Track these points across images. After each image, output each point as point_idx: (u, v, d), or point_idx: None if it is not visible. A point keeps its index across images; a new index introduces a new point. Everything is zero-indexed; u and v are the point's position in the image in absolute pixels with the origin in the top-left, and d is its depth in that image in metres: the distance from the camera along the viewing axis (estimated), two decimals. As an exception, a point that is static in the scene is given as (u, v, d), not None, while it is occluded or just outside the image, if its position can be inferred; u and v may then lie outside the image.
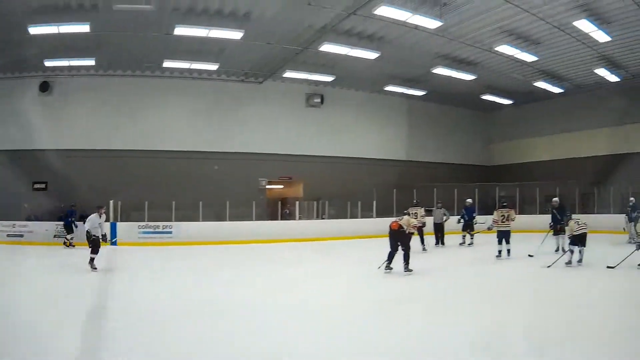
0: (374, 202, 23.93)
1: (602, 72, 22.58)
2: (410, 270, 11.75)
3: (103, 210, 13.08)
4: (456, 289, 10.35)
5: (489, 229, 15.38)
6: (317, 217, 24.43)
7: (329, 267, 14.34)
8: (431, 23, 16.72)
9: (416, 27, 17.14)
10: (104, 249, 17.31)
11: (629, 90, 23.92)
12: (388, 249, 11.95)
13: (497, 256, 14.37)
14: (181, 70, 23.11)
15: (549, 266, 12.24)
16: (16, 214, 20.71)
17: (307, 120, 26.75)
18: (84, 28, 16.83)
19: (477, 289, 10.31)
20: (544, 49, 20.12)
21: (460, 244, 18.34)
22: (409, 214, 13.08)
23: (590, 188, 24.17)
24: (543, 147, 29.29)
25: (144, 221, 20.43)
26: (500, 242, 14.43)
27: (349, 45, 19.34)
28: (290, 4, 16.04)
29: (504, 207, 14.92)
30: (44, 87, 22.65)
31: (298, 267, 14.45)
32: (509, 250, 14.41)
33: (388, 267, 11.98)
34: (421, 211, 17.26)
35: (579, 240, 12.27)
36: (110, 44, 19.52)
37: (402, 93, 27.31)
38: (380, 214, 23.01)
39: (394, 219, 12.72)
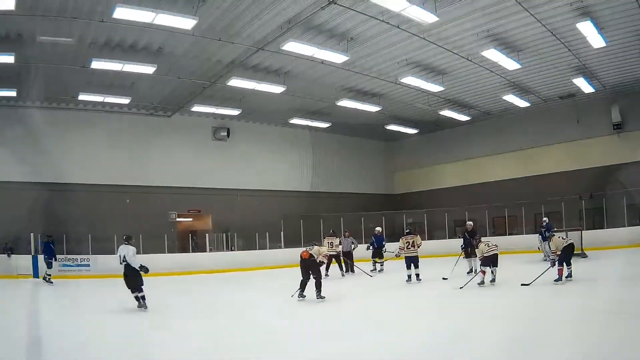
0: (282, 233, 25.16)
1: (511, 98, 24.69)
2: (323, 297, 12.50)
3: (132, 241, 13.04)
4: (368, 311, 11.17)
5: (397, 256, 16.36)
6: (227, 249, 25.22)
7: (244, 297, 14.92)
8: (337, 57, 18.05)
9: (322, 61, 18.49)
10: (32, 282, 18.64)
11: (538, 113, 26.55)
12: (299, 278, 12.62)
13: (407, 281, 15.33)
14: (95, 104, 23.42)
15: (461, 287, 13.14)
16: None
17: (214, 153, 27.81)
18: (9, 59, 17.04)
19: (389, 311, 11.14)
20: (451, 79, 21.95)
21: (371, 270, 19.06)
22: (317, 244, 13.65)
23: (501, 211, 25.84)
24: (450, 173, 31.52)
25: (63, 254, 20.77)
26: (408, 267, 15.39)
27: (255, 79, 20.50)
28: (201, 40, 16.93)
29: (408, 234, 15.95)
30: None
31: (214, 297, 15.11)
32: (417, 275, 15.39)
33: (301, 295, 12.74)
34: (336, 240, 18.74)
35: (490, 261, 13.33)
36: (30, 75, 19.56)
37: (307, 125, 28.86)
38: (288, 244, 24.45)
39: (302, 248, 13.41)
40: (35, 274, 20.08)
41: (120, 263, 11.90)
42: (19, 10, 14.04)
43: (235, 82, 20.57)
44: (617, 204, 22.04)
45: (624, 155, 23.83)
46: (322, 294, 12.61)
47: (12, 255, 20.30)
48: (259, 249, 24.86)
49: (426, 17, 14.90)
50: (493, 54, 18.75)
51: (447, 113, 27.07)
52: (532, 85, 23.58)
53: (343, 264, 18.84)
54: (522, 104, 25.73)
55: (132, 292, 11.83)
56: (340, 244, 19.19)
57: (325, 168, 31.43)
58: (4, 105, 22.87)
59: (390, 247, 19.61)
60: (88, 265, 21.16)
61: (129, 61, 17.96)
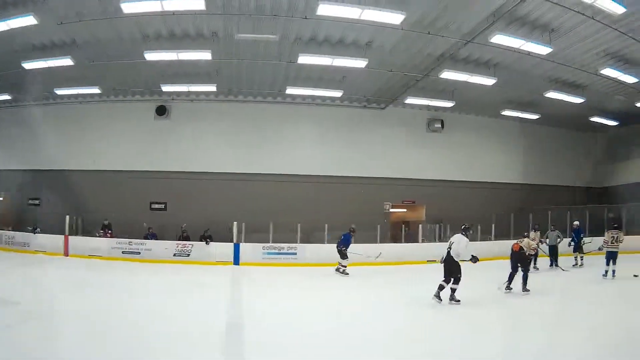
0: (493, 226, 25.97)
1: None
2: (528, 291, 13.26)
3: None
4: (576, 306, 11.87)
5: (600, 249, 16.60)
6: (439, 240, 25.85)
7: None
8: (542, 49, 19.07)
9: (529, 53, 19.62)
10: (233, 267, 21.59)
11: None
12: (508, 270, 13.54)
13: (603, 276, 15.88)
14: (304, 97, 26.61)
15: None
16: (133, 232, 23.87)
17: (428, 144, 29.87)
18: (206, 55, 19.73)
19: (597, 306, 11.73)
20: None
21: (573, 265, 19.60)
22: (527, 237, 14.68)
23: None
24: None
25: (268, 242, 22.67)
26: (607, 263, 15.85)
27: (466, 72, 21.93)
28: (409, 34, 18.37)
29: (614, 228, 16.43)
30: (161, 110, 26.37)
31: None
32: (614, 271, 15.71)
33: (508, 287, 13.47)
34: (536, 235, 19.65)
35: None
36: (230, 71, 22.92)
37: (517, 117, 29.70)
38: (498, 237, 25.26)
39: (513, 241, 14.21)
40: (236, 261, 21.95)
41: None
42: (211, 9, 16.04)
43: (447, 75, 21.98)
44: None
45: None
46: (527, 287, 13.38)
47: (212, 243, 22.49)
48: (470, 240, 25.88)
49: (614, 7, 15.58)
50: None
51: None
52: None
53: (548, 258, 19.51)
54: None
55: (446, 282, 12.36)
56: (546, 237, 19.89)
57: (533, 160, 31.69)
58: (203, 99, 26.61)
59: (586, 239, 20.17)
60: (295, 254, 22.38)
61: (339, 55, 19.73)
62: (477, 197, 29.67)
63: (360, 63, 20.35)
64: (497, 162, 31.26)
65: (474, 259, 12.60)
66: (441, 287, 12.15)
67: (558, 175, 33.02)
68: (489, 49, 19.83)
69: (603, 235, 16.75)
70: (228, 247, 22.39)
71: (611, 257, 15.80)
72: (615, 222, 17.97)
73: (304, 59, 20.05)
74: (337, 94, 25.47)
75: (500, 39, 18.25)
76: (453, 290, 12.15)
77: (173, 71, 22.63)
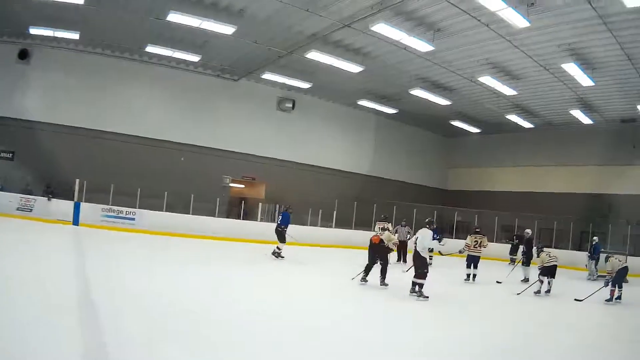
0: (334, 213, 26.23)
1: (577, 113, 26.00)
2: (386, 285, 13.05)
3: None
4: (434, 305, 11.63)
5: (460, 252, 16.83)
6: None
7: (302, 276, 15.49)
8: (423, 46, 19.16)
9: (405, 47, 19.63)
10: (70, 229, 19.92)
11: (596, 133, 27.91)
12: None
13: (465, 279, 16.12)
14: (161, 57, 25.01)
15: (518, 294, 14.03)
16: None
17: (276, 123, 29.37)
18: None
19: (455, 307, 11.97)
20: (525, 85, 23.12)
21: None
22: (389, 230, 14.61)
23: (549, 223, 26.73)
24: (503, 178, 33.31)
25: (108, 204, 21.92)
26: (468, 267, 16.19)
27: (335, 55, 21.52)
28: (286, 7, 17.71)
29: (477, 233, 16.81)
30: (23, 54, 23.91)
31: (271, 269, 15.73)
32: (474, 275, 16.10)
33: (364, 279, 13.22)
34: (388, 226, 18.75)
35: (548, 271, 14.26)
36: (97, 21, 20.75)
37: (374, 109, 30.39)
38: (339, 225, 25.84)
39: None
40: (76, 221, 21.24)
41: None
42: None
43: (314, 55, 21.57)
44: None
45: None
46: (385, 281, 13.16)
47: (53, 200, 21.69)
48: (310, 225, 25.88)
49: (518, 21, 15.94)
50: (571, 68, 20.00)
51: (512, 117, 28.58)
52: (599, 105, 24.90)
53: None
54: (586, 120, 27.05)
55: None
56: (396, 231, 19.38)
57: (384, 154, 33.00)
58: (65, 47, 24.30)
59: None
60: (133, 219, 21.97)
61: (209, 18, 18.80)
62: (322, 182, 30.00)
63: (228, 29, 19.58)
64: (345, 151, 31.91)
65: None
66: (413, 283, 12.19)
67: (408, 172, 34.49)
68: (364, 36, 19.69)
69: (452, 237, 17.38)
70: (69, 205, 21.55)
71: (472, 261, 16.25)
72: (479, 227, 18.64)
73: (174, 17, 18.81)
74: (195, 58, 24.22)
75: (382, 28, 17.99)
76: (420, 286, 12.04)
77: (41, 13, 20.35)
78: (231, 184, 28.36)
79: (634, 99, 23.24)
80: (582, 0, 15.05)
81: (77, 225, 21.16)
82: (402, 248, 19.99)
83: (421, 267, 12.20)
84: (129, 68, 25.67)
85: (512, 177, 33.22)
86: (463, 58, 21.19)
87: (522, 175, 32.66)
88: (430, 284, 12.37)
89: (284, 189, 27.70)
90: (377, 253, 13.42)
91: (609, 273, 14.05)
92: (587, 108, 25.54)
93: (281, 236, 18.56)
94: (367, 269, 13.37)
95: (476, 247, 16.51)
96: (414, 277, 12.21)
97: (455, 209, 29.55)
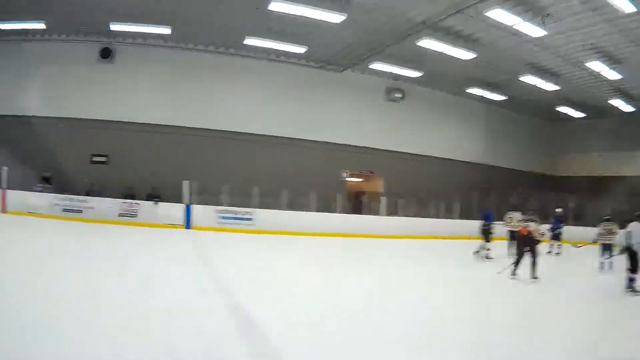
0: (459, 204, 26.53)
1: None
2: (537, 278, 12.71)
3: None
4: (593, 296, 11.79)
5: (594, 241, 16.31)
6: (397, 215, 25.77)
7: (446, 269, 15.56)
8: (535, 31, 19.12)
9: (515, 32, 19.58)
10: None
11: None
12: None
13: (599, 268, 16.03)
14: (260, 50, 24.90)
15: None
16: (73, 188, 21.80)
17: (385, 115, 29.30)
18: None
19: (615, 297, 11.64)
20: (629, 68, 22.83)
21: (547, 252, 19.20)
22: (534, 221, 13.66)
23: None
24: (611, 163, 32.70)
25: (222, 205, 21.91)
26: (603, 254, 16.04)
27: (446, 42, 21.42)
28: None
29: (607, 220, 16.50)
30: (105, 53, 23.85)
31: (410, 268, 15.44)
32: (611, 263, 15.79)
33: (514, 273, 12.95)
34: (518, 216, 18.03)
35: None
36: (189, 14, 20.80)
37: (481, 97, 30.32)
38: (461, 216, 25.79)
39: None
40: (188, 225, 21.15)
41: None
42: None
43: (426, 43, 21.37)
44: None
45: None
46: (536, 274, 12.83)
47: (160, 203, 21.62)
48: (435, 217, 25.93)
49: (623, 5, 16.19)
50: None
51: (614, 102, 28.40)
52: None
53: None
54: None
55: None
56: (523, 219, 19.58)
57: (495, 142, 32.93)
58: (155, 45, 24.49)
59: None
60: (250, 219, 21.89)
61: (314, 6, 18.36)
62: (436, 173, 29.76)
63: (337, 18, 19.12)
64: (455, 139, 31.61)
65: None
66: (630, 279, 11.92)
67: (518, 160, 34.28)
68: (474, 22, 19.61)
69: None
70: (178, 208, 21.42)
71: (606, 249, 16.06)
72: (609, 214, 18.44)
73: (276, 5, 18.29)
74: (301, 49, 24.14)
75: (497, 13, 17.96)
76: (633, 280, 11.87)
77: (123, 9, 20.39)
78: (348, 179, 28.32)
79: None
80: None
81: (189, 228, 21.01)
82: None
83: (635, 262, 11.87)
84: (227, 63, 25.65)
85: (621, 161, 32.44)
86: (572, 42, 20.97)
87: (631, 160, 31.82)
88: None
89: (401, 182, 27.62)
90: (527, 245, 13.15)
91: None
92: None
93: (487, 235, 18.18)
94: (517, 262, 13.16)
95: (608, 235, 16.18)
96: (630, 272, 11.92)
97: (570, 194, 28.56)
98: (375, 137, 28.76)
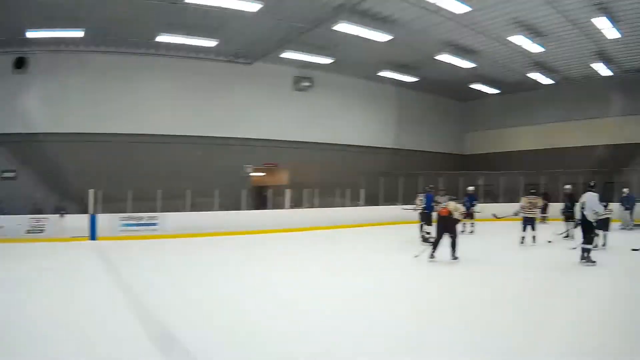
0: (362, 191, 26.35)
1: (597, 66, 26.15)
2: (457, 258, 12.79)
3: None
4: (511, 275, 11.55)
5: (515, 215, 16.67)
6: (302, 207, 25.63)
7: (358, 258, 15.13)
8: (459, 7, 18.87)
9: (437, 10, 19.17)
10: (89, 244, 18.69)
11: (619, 84, 27.87)
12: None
13: (520, 242, 16.26)
14: (170, 48, 23.65)
15: (574, 248, 13.75)
16: None
17: (293, 104, 28.43)
18: None
19: (540, 275, 11.50)
20: (551, 41, 22.91)
21: (461, 231, 18.83)
22: (453, 199, 13.92)
23: (575, 178, 25.96)
24: (521, 138, 33.47)
25: (126, 212, 20.68)
26: (524, 229, 16.22)
27: (363, 25, 20.75)
28: None
29: (531, 194, 16.84)
30: (19, 63, 22.41)
31: (322, 260, 15.05)
32: (534, 237, 16.24)
33: (432, 256, 12.91)
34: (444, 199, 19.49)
35: (603, 224, 14.45)
36: (102, 14, 19.38)
37: (394, 79, 29.86)
38: (368, 203, 26.02)
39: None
40: (93, 236, 19.74)
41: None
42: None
43: (343, 27, 20.62)
44: None
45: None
46: (456, 254, 12.90)
47: (66, 215, 20.01)
48: (340, 206, 25.70)
49: None
50: (599, 21, 20.20)
51: (534, 75, 28.71)
52: (618, 56, 25.10)
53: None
54: (606, 72, 27.16)
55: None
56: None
57: (405, 125, 32.89)
58: (64, 50, 22.84)
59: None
60: (155, 224, 20.84)
61: None
62: (345, 161, 29.29)
63: (254, 6, 18.29)
64: (367, 126, 31.44)
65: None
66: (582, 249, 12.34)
67: (429, 141, 34.51)
68: (393, 2, 19.17)
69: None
70: (83, 219, 20.01)
71: (528, 223, 16.31)
72: (533, 188, 18.69)
73: None
74: (212, 43, 22.85)
75: None
76: (588, 251, 12.28)
77: (35, 14, 18.87)
78: (252, 174, 27.34)
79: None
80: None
81: (95, 239, 19.70)
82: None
83: (589, 232, 12.27)
84: (137, 63, 24.26)
85: (531, 135, 33.32)
86: (495, 18, 20.76)
87: (540, 133, 32.74)
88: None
89: (307, 172, 27.00)
90: (447, 226, 13.07)
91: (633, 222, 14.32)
92: (608, 60, 25.56)
93: (428, 219, 18.06)
94: (436, 244, 13.08)
95: (531, 209, 16.56)
96: (583, 243, 12.30)
97: (480, 172, 29.70)
98: (283, 128, 28.01)
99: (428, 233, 17.44)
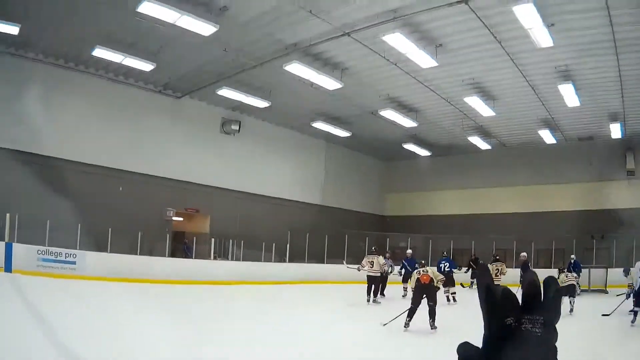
0: (287, 246, 25.13)
1: (543, 133, 26.81)
2: (436, 328, 11.96)
3: None
4: None
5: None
6: (226, 258, 24.36)
7: (321, 319, 13.82)
8: (425, 61, 18.75)
9: (398, 60, 19.00)
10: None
11: (553, 152, 28.96)
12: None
13: None
14: (101, 66, 21.72)
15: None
16: None
17: (220, 147, 26.62)
18: None
19: None
20: (501, 106, 23.29)
21: (403, 296, 19.04)
22: (429, 267, 13.56)
23: (505, 243, 27.14)
24: (448, 201, 33.69)
25: (44, 244, 18.49)
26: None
27: (313, 68, 19.80)
28: (283, 7, 16.06)
29: (497, 261, 16.71)
30: None
31: (288, 318, 13.89)
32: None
33: (407, 325, 11.98)
34: (380, 259, 18.17)
35: (568, 291, 14.88)
36: (43, 11, 17.27)
37: (326, 133, 29.01)
38: (292, 259, 24.92)
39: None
40: (8, 267, 17.12)
41: None
42: None
43: (294, 68, 19.43)
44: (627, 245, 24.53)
45: (635, 201, 26.33)
46: (435, 324, 12.02)
47: None
48: (265, 261, 24.19)
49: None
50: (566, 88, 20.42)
51: (474, 140, 28.92)
52: (564, 124, 25.89)
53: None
54: (550, 140, 27.92)
55: None
56: (385, 263, 18.66)
57: (331, 182, 31.99)
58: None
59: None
60: (74, 263, 18.81)
61: (189, 13, 15.76)
62: (269, 213, 27.53)
63: (208, 29, 16.56)
64: (291, 178, 30.08)
65: None
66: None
67: (352, 200, 33.69)
68: (350, 49, 18.85)
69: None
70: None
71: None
72: (498, 254, 18.55)
73: (146, 7, 15.19)
74: (148, 66, 20.43)
75: (390, 38, 17.08)
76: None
77: None
78: (174, 218, 25.09)
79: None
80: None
81: (11, 272, 17.01)
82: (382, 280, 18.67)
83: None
84: (64, 79, 21.68)
85: (452, 200, 33.72)
86: (448, 77, 21.14)
87: (469, 197, 33.00)
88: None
89: (230, 221, 25.47)
90: (428, 294, 12.32)
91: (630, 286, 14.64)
92: (552, 128, 26.58)
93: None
94: (412, 313, 12.11)
95: (497, 276, 16.48)
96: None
97: (408, 234, 29.24)
98: (207, 172, 25.78)
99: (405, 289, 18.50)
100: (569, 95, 20.98)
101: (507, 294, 0.96)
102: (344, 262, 20.84)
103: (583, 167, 28.45)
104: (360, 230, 29.11)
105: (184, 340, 9.30)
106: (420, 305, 12.06)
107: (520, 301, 0.96)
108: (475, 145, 29.76)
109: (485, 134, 28.06)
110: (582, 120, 25.12)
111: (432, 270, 12.92)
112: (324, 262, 26.00)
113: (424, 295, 12.16)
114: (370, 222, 34.18)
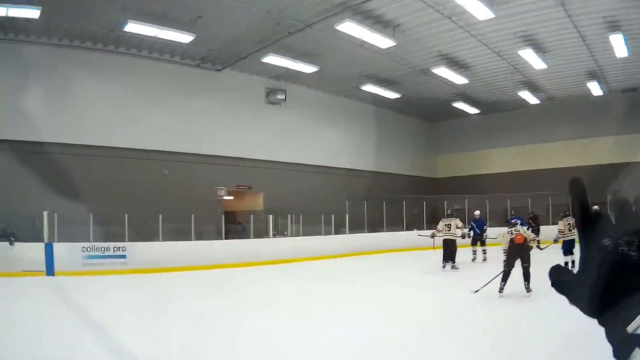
0: (347, 216, 24.07)
1: (591, 85, 26.20)
2: (531, 290, 11.23)
3: None
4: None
5: (555, 241, 15.44)
6: (283, 234, 23.17)
7: (405, 294, 12.93)
8: (480, 12, 17.53)
9: (452, 14, 17.87)
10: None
11: (588, 107, 28.36)
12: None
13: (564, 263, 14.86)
14: (133, 43, 20.44)
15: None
16: None
17: (266, 119, 25.36)
18: None
19: None
20: (552, 58, 22.46)
21: (472, 259, 18.68)
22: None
23: (561, 199, 25.07)
24: (493, 160, 33.07)
25: (88, 240, 17.06)
26: (566, 253, 14.93)
27: (365, 26, 18.50)
28: None
29: (567, 216, 15.55)
30: None
31: (359, 293, 13.07)
32: (573, 262, 14.39)
33: (502, 289, 11.36)
34: (456, 222, 17.23)
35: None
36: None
37: (374, 96, 27.80)
38: (352, 230, 23.82)
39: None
40: (50, 270, 15.89)
41: None
42: None
43: (345, 27, 18.19)
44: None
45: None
46: (530, 286, 11.26)
47: (16, 243, 15.89)
48: (325, 234, 23.19)
49: None
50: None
51: (523, 94, 27.96)
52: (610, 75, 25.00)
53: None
54: (597, 92, 26.94)
55: None
56: (463, 225, 17.80)
57: (381, 147, 30.55)
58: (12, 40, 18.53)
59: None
60: (124, 257, 17.38)
61: None
62: (319, 184, 26.53)
63: None
64: (346, 147, 29.06)
65: None
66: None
67: (405, 164, 32.98)
68: (401, 4, 17.46)
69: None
70: (37, 249, 15.94)
71: (571, 246, 15.10)
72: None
73: None
74: (187, 38, 18.98)
75: None
76: None
77: None
78: (225, 197, 23.80)
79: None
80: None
81: (53, 275, 15.76)
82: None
83: None
84: (95, 61, 20.33)
85: (503, 157, 32.89)
86: (500, 30, 19.90)
87: (512, 155, 32.38)
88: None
89: (284, 196, 24.15)
90: (522, 255, 11.44)
91: None
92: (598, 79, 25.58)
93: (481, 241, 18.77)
94: (506, 276, 11.44)
95: (571, 230, 15.42)
96: None
97: (466, 195, 28.06)
98: (255, 146, 24.42)
99: (474, 252, 18.06)
100: (618, 45, 19.94)
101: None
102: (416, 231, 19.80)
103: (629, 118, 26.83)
104: (416, 194, 28.39)
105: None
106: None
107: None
108: (524, 100, 28.75)
109: (534, 88, 26.96)
110: (628, 71, 23.89)
111: (523, 230, 11.91)
112: (384, 230, 25.13)
113: (518, 256, 11.27)
114: (424, 185, 33.28)
